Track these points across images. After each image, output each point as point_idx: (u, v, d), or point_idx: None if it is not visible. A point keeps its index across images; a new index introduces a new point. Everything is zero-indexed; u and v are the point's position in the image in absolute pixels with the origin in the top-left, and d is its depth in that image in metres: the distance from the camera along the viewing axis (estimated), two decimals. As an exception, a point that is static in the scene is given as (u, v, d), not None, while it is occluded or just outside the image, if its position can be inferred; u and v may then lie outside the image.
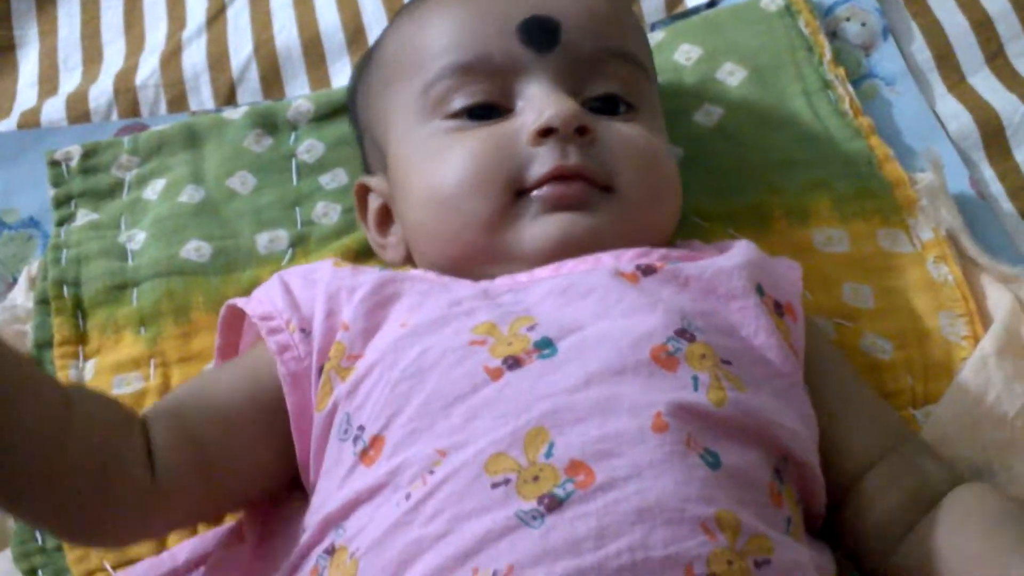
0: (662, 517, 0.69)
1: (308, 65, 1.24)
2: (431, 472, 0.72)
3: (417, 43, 0.93)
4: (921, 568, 0.78)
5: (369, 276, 0.84)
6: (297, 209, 1.07)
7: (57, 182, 1.10)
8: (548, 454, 0.71)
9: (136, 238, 1.06)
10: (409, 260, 0.95)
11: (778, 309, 0.84)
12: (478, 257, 0.87)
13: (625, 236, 0.86)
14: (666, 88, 1.08)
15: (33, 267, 1.05)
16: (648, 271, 0.82)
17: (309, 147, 1.11)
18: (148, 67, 1.24)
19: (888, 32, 1.17)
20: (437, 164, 0.88)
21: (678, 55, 1.14)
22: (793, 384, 0.81)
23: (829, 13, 1.18)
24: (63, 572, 0.89)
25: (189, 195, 1.08)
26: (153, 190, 1.09)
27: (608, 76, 0.91)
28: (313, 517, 0.77)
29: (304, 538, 0.76)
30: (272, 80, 1.23)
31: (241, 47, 1.25)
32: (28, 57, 1.30)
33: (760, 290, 0.83)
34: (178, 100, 1.22)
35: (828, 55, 1.13)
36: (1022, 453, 0.87)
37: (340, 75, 1.22)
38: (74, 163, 1.11)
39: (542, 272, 0.84)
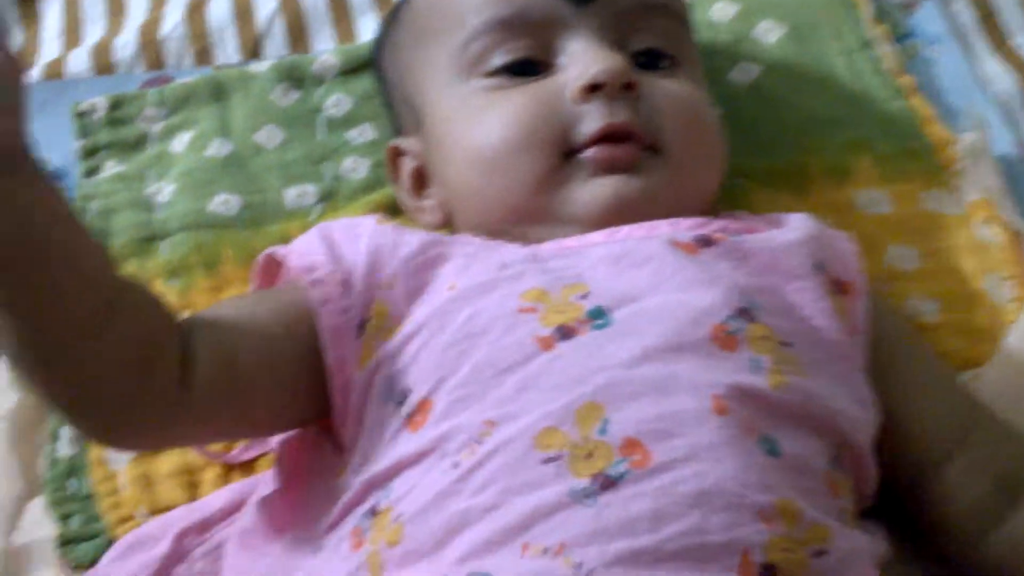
0: (721, 501, 0.68)
1: (334, 18, 1.23)
2: (479, 442, 0.71)
3: None
4: (1017, 558, 0.79)
5: (415, 236, 0.82)
6: (325, 164, 1.06)
7: (84, 133, 1.09)
8: (603, 431, 0.70)
9: (164, 190, 1.05)
10: (447, 224, 0.92)
11: (838, 287, 0.82)
12: (525, 219, 0.85)
13: (675, 198, 0.84)
14: (701, 46, 1.05)
15: (61, 219, 1.04)
16: (707, 242, 0.80)
17: (336, 102, 1.10)
18: (172, 20, 1.23)
19: (930, -9, 1.15)
20: (481, 123, 0.86)
21: (713, 12, 1.13)
22: (852, 368, 0.79)
23: (869, -29, 1.17)
24: (95, 519, 0.89)
25: (216, 149, 1.07)
26: (180, 143, 1.08)
27: (649, 29, 0.89)
28: (355, 477, 0.76)
29: (345, 497, 0.75)
30: (298, 34, 1.22)
31: (266, 0, 1.23)
32: (52, 8, 1.28)
33: (821, 267, 0.81)
34: (203, 53, 1.21)
35: (868, 13, 1.11)
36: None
37: (366, 29, 1.20)
38: (100, 115, 1.10)
39: (595, 237, 0.82)
